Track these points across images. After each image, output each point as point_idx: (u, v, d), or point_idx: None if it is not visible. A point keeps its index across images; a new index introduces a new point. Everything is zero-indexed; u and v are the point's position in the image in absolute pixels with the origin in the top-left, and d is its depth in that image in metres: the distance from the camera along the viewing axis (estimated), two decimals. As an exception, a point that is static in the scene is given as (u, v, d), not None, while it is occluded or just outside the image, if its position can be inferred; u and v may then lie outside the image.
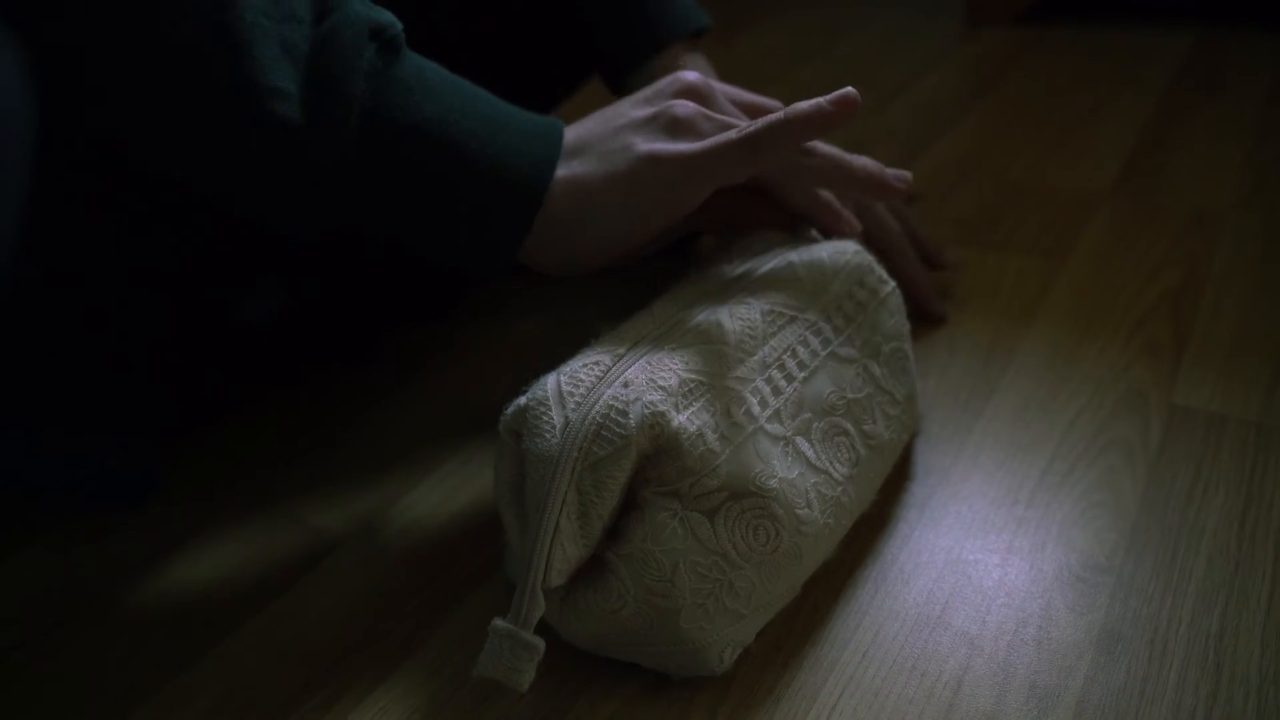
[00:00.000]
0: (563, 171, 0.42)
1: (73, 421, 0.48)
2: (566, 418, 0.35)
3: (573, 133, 0.44)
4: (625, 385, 0.36)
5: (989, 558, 0.43)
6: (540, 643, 0.34)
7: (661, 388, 0.36)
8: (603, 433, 0.35)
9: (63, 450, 0.48)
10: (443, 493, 0.50)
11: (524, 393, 0.38)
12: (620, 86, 0.59)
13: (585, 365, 0.37)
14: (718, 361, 0.38)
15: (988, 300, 0.63)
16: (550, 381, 0.37)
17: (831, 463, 0.40)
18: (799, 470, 0.38)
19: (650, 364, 0.37)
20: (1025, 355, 0.57)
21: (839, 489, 0.40)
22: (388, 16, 0.40)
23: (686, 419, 0.36)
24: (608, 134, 0.43)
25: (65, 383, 0.46)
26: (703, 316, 0.40)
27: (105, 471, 0.49)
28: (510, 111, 0.42)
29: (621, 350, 0.38)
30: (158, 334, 0.48)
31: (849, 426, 0.42)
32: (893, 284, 0.47)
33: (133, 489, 0.50)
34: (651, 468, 0.36)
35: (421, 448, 0.54)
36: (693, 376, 0.37)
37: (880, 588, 0.42)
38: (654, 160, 0.41)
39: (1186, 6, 1.16)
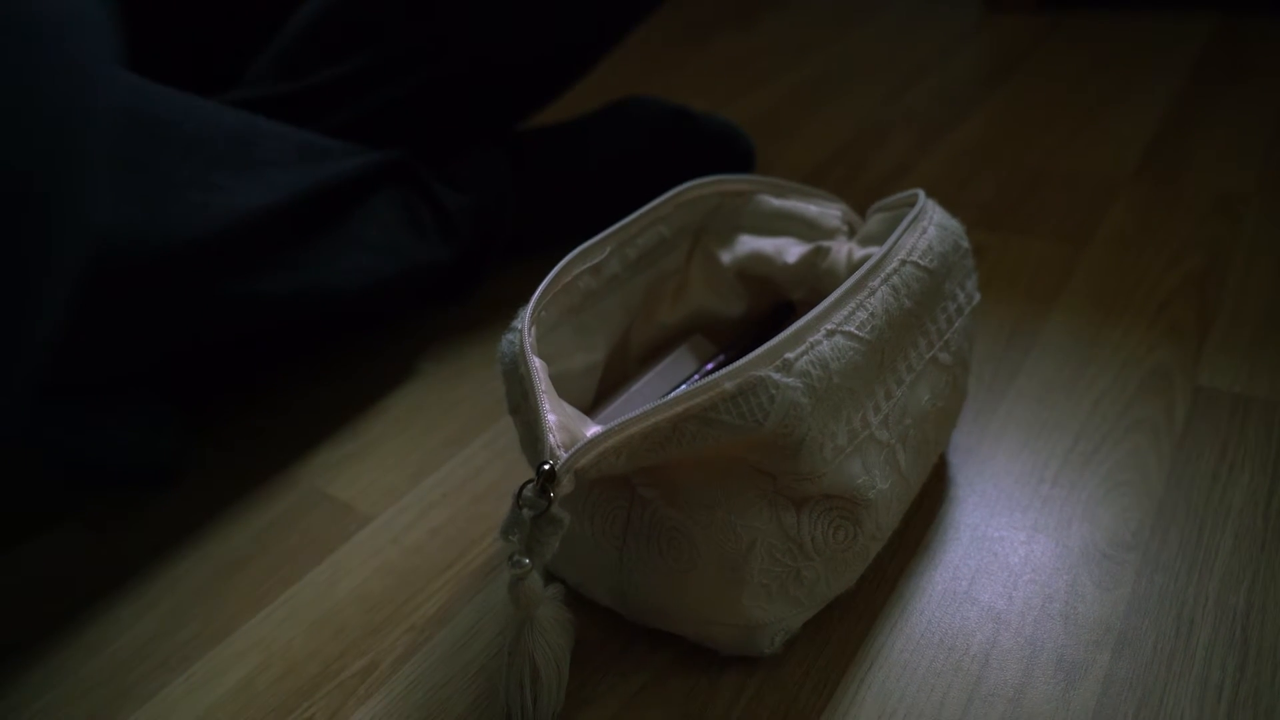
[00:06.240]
0: None
1: (97, 390, 0.48)
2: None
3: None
4: (785, 366, 0.33)
5: (1015, 535, 0.44)
6: (565, 516, 0.31)
7: (813, 389, 0.33)
8: (739, 401, 0.32)
9: (95, 426, 0.48)
10: (470, 469, 0.51)
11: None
12: None
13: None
14: (862, 369, 0.36)
15: (1010, 284, 0.63)
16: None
17: (913, 471, 0.40)
18: (892, 480, 0.38)
19: (812, 361, 0.34)
20: (1048, 338, 0.57)
21: (910, 495, 0.41)
22: None
23: (818, 427, 0.34)
24: None
25: (89, 353, 0.47)
26: (849, 309, 0.36)
27: (137, 447, 0.50)
28: None
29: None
30: (180, 309, 0.49)
31: (931, 435, 0.41)
32: (979, 296, 0.44)
33: (164, 464, 0.51)
34: (758, 450, 0.34)
35: (449, 424, 0.54)
36: (841, 384, 0.34)
37: (907, 563, 0.43)
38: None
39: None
